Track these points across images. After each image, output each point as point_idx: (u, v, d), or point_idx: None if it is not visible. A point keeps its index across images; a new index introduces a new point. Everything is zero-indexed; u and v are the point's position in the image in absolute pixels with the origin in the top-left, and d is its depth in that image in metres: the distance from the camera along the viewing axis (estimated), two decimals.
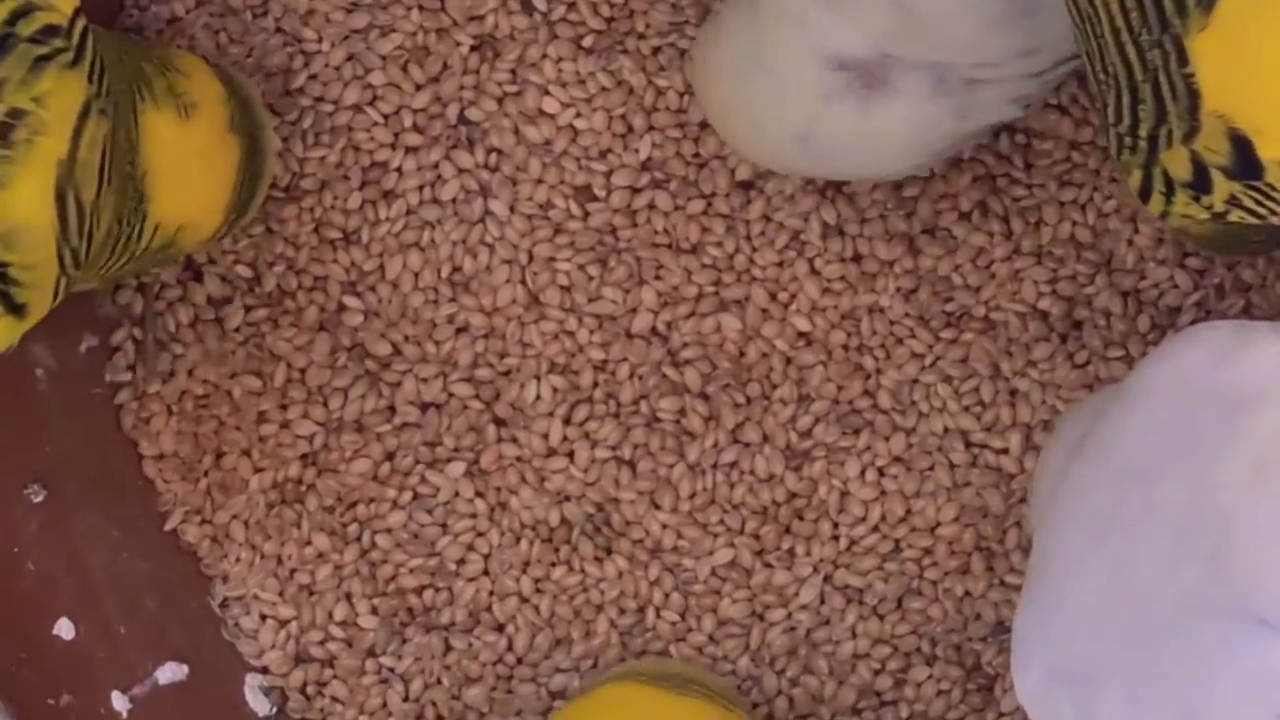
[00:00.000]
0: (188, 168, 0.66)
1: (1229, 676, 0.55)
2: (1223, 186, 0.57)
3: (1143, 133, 0.58)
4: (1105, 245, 0.75)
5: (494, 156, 0.75)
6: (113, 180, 0.59)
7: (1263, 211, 0.58)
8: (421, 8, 0.75)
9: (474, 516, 0.76)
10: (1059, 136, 0.75)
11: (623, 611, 0.76)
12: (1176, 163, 0.57)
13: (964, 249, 0.75)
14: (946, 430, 0.75)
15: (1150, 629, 0.57)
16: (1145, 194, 0.60)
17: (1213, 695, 0.55)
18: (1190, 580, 0.56)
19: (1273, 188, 0.56)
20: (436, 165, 0.75)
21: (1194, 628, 0.55)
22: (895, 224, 0.75)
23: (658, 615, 0.76)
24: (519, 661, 0.76)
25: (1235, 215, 0.58)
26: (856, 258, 0.75)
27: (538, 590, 0.76)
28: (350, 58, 0.75)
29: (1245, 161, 0.56)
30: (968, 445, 0.75)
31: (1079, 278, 0.75)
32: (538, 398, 0.76)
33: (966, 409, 0.75)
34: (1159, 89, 0.57)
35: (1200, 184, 0.57)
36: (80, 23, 0.58)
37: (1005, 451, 0.75)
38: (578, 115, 0.75)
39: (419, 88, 0.75)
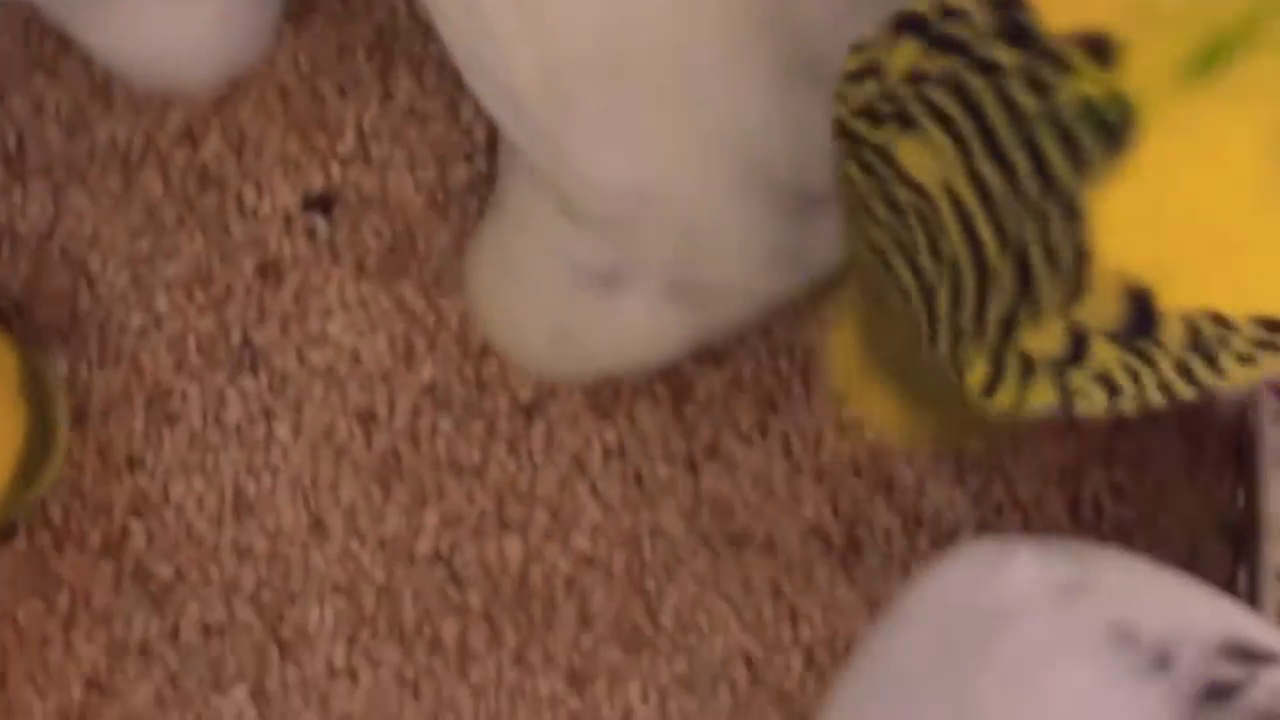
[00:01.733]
0: None
1: None
2: (1102, 355, 0.56)
3: (992, 315, 0.57)
4: (884, 465, 0.76)
5: (278, 380, 0.76)
6: None
7: (1126, 384, 0.57)
8: (205, 232, 0.76)
9: None
10: None
11: None
12: (1044, 338, 0.56)
13: (744, 469, 0.76)
14: (728, 650, 0.76)
15: None
16: (992, 384, 0.59)
17: None
18: None
19: (1159, 348, 0.56)
20: (220, 389, 0.76)
21: None
22: (676, 445, 0.76)
23: None
24: None
25: (1085, 404, 0.58)
26: (638, 479, 0.76)
27: None
28: (135, 282, 0.76)
29: (1141, 317, 0.55)
30: (749, 665, 0.76)
31: (858, 497, 0.76)
32: (321, 620, 0.76)
33: (747, 629, 0.76)
34: (1026, 263, 0.56)
35: (1075, 356, 0.57)
36: None
37: (788, 672, 0.76)
38: (360, 338, 0.76)
39: (203, 311, 0.76)
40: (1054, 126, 0.54)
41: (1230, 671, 0.56)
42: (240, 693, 0.76)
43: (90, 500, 0.76)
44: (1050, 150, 0.54)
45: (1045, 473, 0.76)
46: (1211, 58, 0.53)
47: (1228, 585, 0.74)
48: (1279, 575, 0.70)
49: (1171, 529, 0.76)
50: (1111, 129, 0.53)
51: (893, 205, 0.58)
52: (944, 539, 0.76)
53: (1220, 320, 0.56)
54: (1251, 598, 0.71)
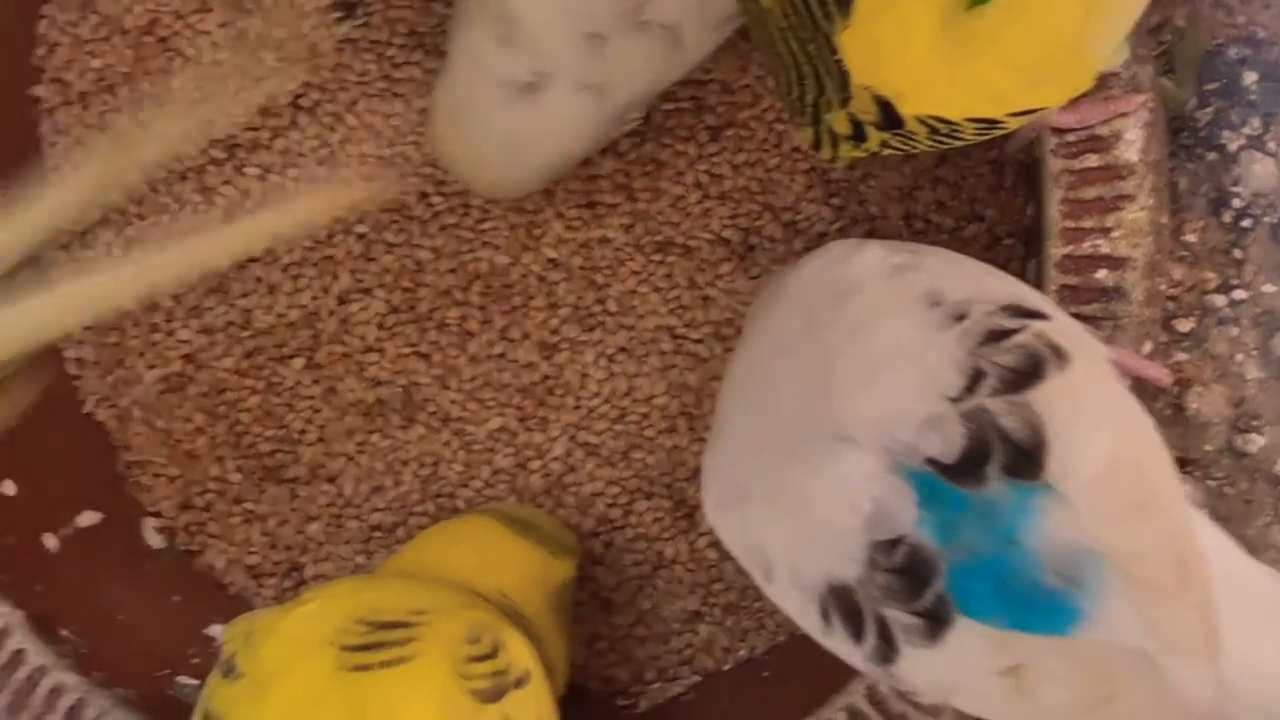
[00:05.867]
0: None
1: (825, 481, 0.64)
2: (875, 136, 0.67)
3: (808, 101, 0.68)
4: (771, 191, 0.92)
5: None
6: None
7: (906, 148, 0.68)
8: None
9: (312, 398, 0.92)
10: (735, 120, 0.92)
11: (422, 465, 0.93)
12: (838, 122, 0.67)
13: (667, 196, 0.92)
14: (658, 327, 0.91)
15: (781, 453, 0.67)
16: (816, 146, 0.70)
17: (817, 496, 0.64)
18: (808, 414, 0.66)
19: (913, 134, 0.66)
20: None
21: (807, 447, 0.65)
22: (617, 178, 0.94)
23: (448, 468, 0.93)
24: (346, 504, 0.93)
25: (887, 152, 0.69)
26: (590, 204, 0.94)
27: (360, 451, 0.92)
28: None
29: (889, 118, 0.65)
30: (673, 338, 0.91)
31: (752, 214, 0.91)
32: (365, 309, 0.94)
33: (672, 311, 0.91)
34: (817, 70, 0.66)
35: (858, 136, 0.67)
36: None
37: (700, 342, 0.91)
38: None
39: None
40: None
41: (1007, 322, 0.66)
42: (298, 363, 0.93)
43: None
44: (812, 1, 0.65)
45: (888, 192, 0.90)
46: None
47: (1020, 274, 0.87)
48: (1058, 265, 0.80)
49: (980, 234, 0.90)
50: None
51: (755, 7, 0.69)
52: (814, 243, 0.91)
53: (945, 120, 0.65)
54: (1038, 282, 0.80)
